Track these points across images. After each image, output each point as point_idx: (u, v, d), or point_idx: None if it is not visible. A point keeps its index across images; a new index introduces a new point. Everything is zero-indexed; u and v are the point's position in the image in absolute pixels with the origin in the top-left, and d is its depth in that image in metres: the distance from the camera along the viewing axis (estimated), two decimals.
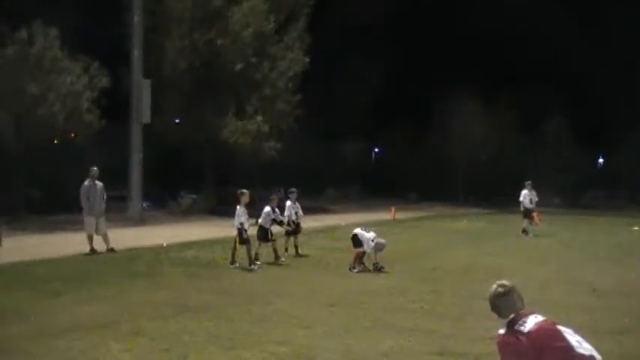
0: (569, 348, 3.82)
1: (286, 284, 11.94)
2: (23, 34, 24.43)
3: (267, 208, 15.17)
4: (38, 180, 28.45)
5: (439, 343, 7.82)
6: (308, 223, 21.50)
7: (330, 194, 49.62)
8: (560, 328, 3.95)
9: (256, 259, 14.29)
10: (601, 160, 65.06)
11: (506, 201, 44.23)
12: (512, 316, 3.99)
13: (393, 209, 31.97)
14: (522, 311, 4.01)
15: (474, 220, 31.60)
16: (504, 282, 4.15)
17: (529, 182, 24.04)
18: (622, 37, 50.16)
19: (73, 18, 25.87)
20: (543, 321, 3.95)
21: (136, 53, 27.19)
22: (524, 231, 23.09)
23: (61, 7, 25.93)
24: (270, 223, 15.12)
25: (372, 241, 13.68)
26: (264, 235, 14.89)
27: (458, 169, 53.47)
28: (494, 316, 4.15)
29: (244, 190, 14.41)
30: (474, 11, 48.80)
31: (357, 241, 13.88)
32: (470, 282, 12.27)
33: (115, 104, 27.40)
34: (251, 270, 13.63)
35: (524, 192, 23.79)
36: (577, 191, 53.81)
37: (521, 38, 51.20)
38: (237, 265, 13.99)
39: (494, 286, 4.14)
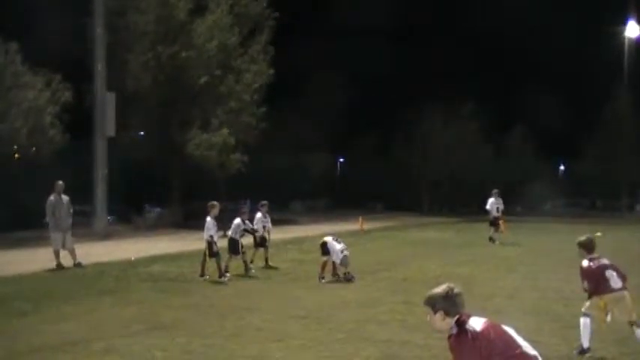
0: (518, 346, 4.00)
1: (257, 298, 11.87)
2: None
3: (238, 220, 15.12)
4: (1, 196, 27.94)
5: (414, 353, 7.85)
6: (276, 235, 21.45)
7: (296, 206, 49.66)
8: (505, 327, 4.11)
9: (226, 271, 14.21)
10: (562, 168, 66.17)
11: (471, 210, 44.80)
12: (457, 316, 4.10)
13: (360, 219, 32.04)
14: (465, 313, 4.13)
15: (440, 230, 31.79)
16: (453, 284, 4.26)
17: (496, 191, 24.23)
18: (585, 49, 51.23)
19: (35, 32, 25.57)
20: (489, 321, 4.10)
21: (99, 67, 26.91)
22: (491, 239, 23.29)
23: (22, 21, 25.63)
24: (240, 234, 15.05)
25: (342, 252, 13.72)
26: (234, 247, 14.81)
27: (423, 179, 53.88)
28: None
29: (214, 202, 14.37)
30: (441, 23, 49.51)
31: (325, 249, 13.89)
32: None
33: (78, 119, 27.09)
34: (221, 282, 13.54)
35: (491, 200, 23.98)
36: (539, 199, 54.60)
37: (486, 51, 52.06)
38: (207, 277, 13.90)
39: (449, 285, 4.22)
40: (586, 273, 7.79)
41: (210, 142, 30.84)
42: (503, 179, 46.83)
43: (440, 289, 4.18)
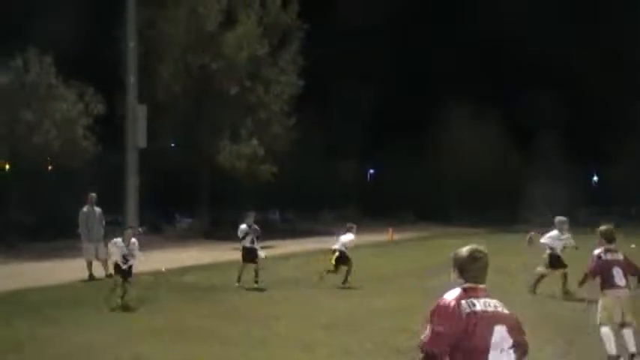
0: (485, 351, 3.64)
1: (286, 306, 11.85)
2: (18, 61, 24.47)
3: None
4: (33, 206, 28.34)
5: None
6: (305, 245, 21.46)
7: (326, 216, 49.55)
8: (500, 327, 3.72)
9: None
10: (595, 176, 65.25)
11: (501, 219, 44.38)
12: (466, 284, 3.85)
13: (390, 230, 31.91)
14: (483, 286, 3.89)
15: (471, 240, 31.43)
16: (481, 248, 4.04)
17: None
18: (615, 50, 50.50)
19: (68, 45, 25.92)
20: (502, 312, 3.80)
21: (132, 79, 27.16)
22: None
23: (56, 34, 26.00)
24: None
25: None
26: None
27: (452, 189, 53.50)
28: None
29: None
30: (468, 28, 49.16)
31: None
32: None
33: (110, 130, 27.40)
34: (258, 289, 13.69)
35: None
36: (571, 208, 53.83)
37: (513, 55, 51.60)
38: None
39: (477, 247, 4.03)
40: (596, 262, 7.90)
41: (240, 152, 30.97)
42: (533, 187, 46.41)
43: (466, 249, 3.98)
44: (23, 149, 24.86)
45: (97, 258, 16.11)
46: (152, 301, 12.47)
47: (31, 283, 14.65)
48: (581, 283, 8.48)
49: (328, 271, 14.58)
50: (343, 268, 14.47)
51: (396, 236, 31.48)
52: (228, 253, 22.08)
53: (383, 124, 51.92)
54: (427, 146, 53.11)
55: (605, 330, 7.76)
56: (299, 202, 47.20)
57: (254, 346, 8.63)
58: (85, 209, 16.32)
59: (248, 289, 13.84)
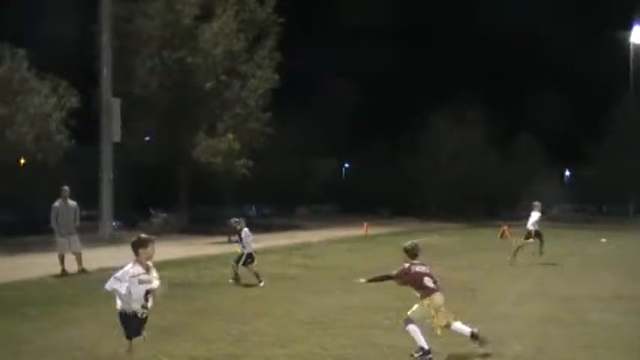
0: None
1: (263, 303, 11.88)
2: None
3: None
4: (7, 202, 28.03)
5: None
6: (281, 240, 21.45)
7: (303, 211, 49.60)
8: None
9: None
10: (568, 173, 66.02)
11: (478, 215, 44.77)
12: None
13: (365, 225, 32.02)
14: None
15: (446, 235, 31.74)
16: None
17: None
18: (592, 50, 51.20)
19: (41, 38, 25.67)
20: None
21: (105, 72, 26.99)
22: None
23: (29, 27, 25.74)
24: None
25: None
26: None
27: (428, 186, 53.81)
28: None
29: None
30: (447, 27, 49.52)
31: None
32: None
33: (85, 124, 27.19)
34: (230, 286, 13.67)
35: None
36: (545, 205, 54.50)
37: (491, 56, 52.11)
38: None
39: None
40: (408, 275, 8.08)
41: (216, 148, 30.87)
42: (510, 185, 46.92)
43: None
44: None
45: (70, 250, 16.03)
46: None
47: (5, 279, 14.51)
48: (371, 280, 8.71)
49: (526, 241, 18.97)
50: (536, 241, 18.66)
51: (372, 231, 31.59)
52: (203, 248, 22.11)
53: (360, 123, 52.19)
54: (404, 145, 53.43)
55: (411, 326, 7.93)
56: (275, 197, 47.20)
57: (232, 342, 8.65)
58: (56, 203, 16.19)
59: (226, 286, 13.86)
